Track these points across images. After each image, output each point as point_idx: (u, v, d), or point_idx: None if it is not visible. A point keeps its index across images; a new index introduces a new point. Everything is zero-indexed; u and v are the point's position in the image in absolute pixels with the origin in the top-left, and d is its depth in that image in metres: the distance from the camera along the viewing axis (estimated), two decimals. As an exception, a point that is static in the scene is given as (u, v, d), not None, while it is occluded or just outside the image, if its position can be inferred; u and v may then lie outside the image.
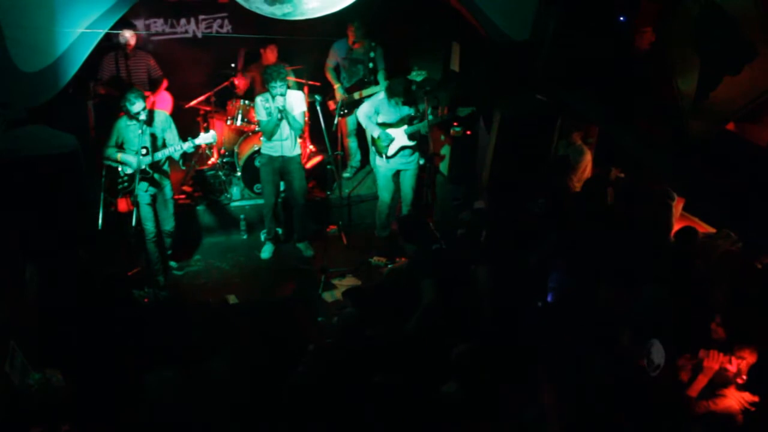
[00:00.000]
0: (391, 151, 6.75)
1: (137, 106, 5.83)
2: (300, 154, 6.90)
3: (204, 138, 6.28)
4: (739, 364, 3.82)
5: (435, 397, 4.21)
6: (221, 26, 8.28)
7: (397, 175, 6.98)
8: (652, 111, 5.53)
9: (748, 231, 5.34)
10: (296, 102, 6.63)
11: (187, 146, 6.18)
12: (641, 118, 5.64)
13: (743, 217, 5.32)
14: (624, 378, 4.23)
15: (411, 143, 6.75)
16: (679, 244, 5.38)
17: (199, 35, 8.17)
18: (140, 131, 5.90)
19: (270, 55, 7.62)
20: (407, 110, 6.70)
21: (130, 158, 6.00)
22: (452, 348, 4.47)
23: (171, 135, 6.21)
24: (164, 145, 6.15)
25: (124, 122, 6.03)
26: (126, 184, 6.08)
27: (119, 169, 6.07)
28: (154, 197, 6.30)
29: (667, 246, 5.47)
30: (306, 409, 4.23)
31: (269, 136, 6.58)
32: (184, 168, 6.69)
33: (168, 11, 8.03)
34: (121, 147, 6.05)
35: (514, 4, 6.24)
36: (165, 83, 7.50)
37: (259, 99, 6.58)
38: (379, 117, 6.76)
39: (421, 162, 7.13)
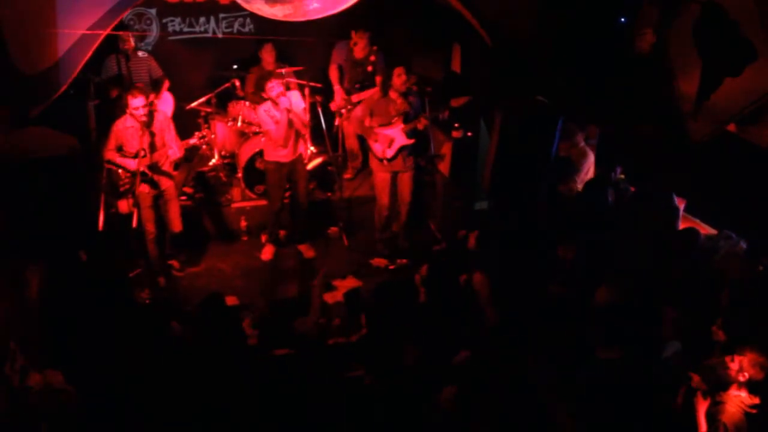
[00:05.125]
0: (390, 153, 6.74)
1: (138, 101, 5.84)
2: (302, 155, 6.91)
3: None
4: (741, 361, 3.82)
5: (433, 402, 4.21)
6: (243, 25, 8.22)
7: (395, 176, 6.97)
8: (653, 112, 5.52)
9: (749, 232, 5.35)
10: (296, 102, 6.65)
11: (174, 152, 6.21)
12: (642, 120, 5.64)
13: (744, 218, 5.33)
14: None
15: (409, 142, 6.74)
16: (683, 246, 5.38)
17: (220, 35, 8.12)
18: (141, 133, 5.91)
19: (267, 55, 7.62)
20: (401, 108, 6.68)
21: (129, 162, 6.01)
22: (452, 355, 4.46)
23: (169, 136, 6.22)
24: (163, 146, 6.15)
25: (122, 124, 6.03)
26: (127, 186, 6.08)
27: (119, 171, 6.07)
28: (155, 199, 6.30)
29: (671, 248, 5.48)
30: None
31: (283, 141, 6.55)
32: (177, 170, 6.73)
33: (186, 10, 7.99)
34: (120, 150, 6.05)
35: (515, 5, 6.24)
36: (167, 84, 7.51)
37: (261, 110, 6.57)
38: (374, 119, 6.74)
39: (420, 163, 7.13)
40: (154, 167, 6.12)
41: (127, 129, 6.01)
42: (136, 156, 5.97)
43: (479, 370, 4.16)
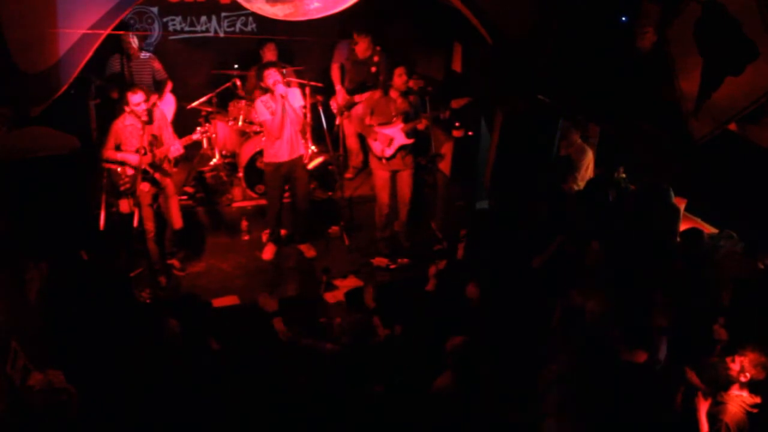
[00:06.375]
0: (389, 152, 6.73)
1: (137, 97, 5.86)
2: (303, 155, 6.90)
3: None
4: (742, 361, 3.82)
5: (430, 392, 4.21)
6: (245, 24, 8.21)
7: (394, 175, 6.96)
8: (654, 111, 5.52)
9: (750, 231, 5.34)
10: (294, 98, 6.64)
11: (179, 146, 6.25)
12: (643, 119, 5.64)
13: (745, 217, 5.32)
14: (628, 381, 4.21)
15: (409, 142, 6.74)
16: (686, 245, 5.38)
17: (221, 34, 8.10)
18: (141, 131, 5.92)
19: (269, 54, 7.62)
20: (401, 107, 6.67)
21: (130, 156, 6.01)
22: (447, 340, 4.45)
23: (167, 133, 6.24)
24: (162, 144, 6.16)
25: (121, 123, 6.03)
26: (128, 185, 6.09)
27: (119, 170, 6.06)
28: (156, 197, 6.31)
29: (674, 248, 5.47)
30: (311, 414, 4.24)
31: (279, 133, 6.55)
32: (177, 168, 6.77)
33: (187, 9, 7.97)
34: (118, 149, 6.05)
35: (516, 4, 6.24)
36: (170, 85, 7.51)
37: (258, 101, 6.58)
38: (374, 118, 6.74)
39: (420, 162, 7.13)
40: (155, 165, 6.13)
41: (126, 127, 6.02)
42: (137, 153, 5.98)
43: (474, 355, 4.16)
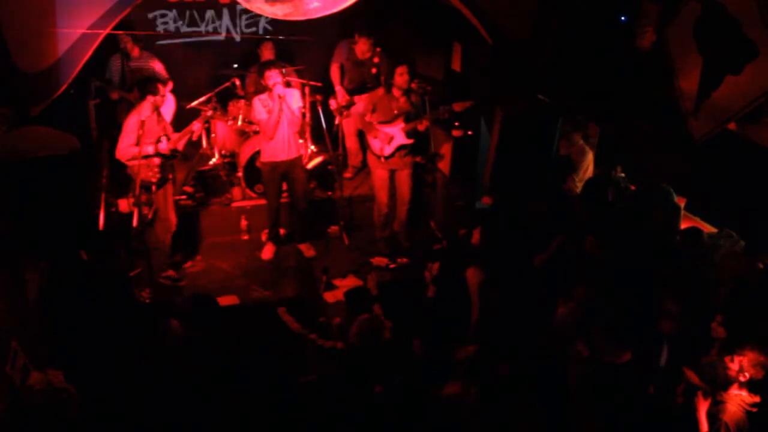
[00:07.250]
0: (388, 150, 6.73)
1: (163, 89, 5.98)
2: (301, 156, 6.89)
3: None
4: (741, 361, 3.82)
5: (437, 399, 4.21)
6: (253, 24, 8.23)
7: (393, 174, 6.96)
8: (654, 111, 5.53)
9: (749, 231, 5.34)
10: (293, 98, 6.64)
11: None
12: (643, 118, 5.64)
13: (745, 216, 5.33)
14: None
15: (408, 142, 6.73)
16: (686, 245, 5.38)
17: (222, 34, 8.11)
18: (157, 120, 5.98)
19: (267, 53, 7.63)
20: (404, 107, 6.68)
21: (156, 147, 6.01)
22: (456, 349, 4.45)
23: (170, 127, 6.27)
24: (169, 137, 6.18)
25: (137, 117, 6.00)
26: (159, 174, 6.09)
27: (146, 164, 6.01)
28: (170, 185, 6.36)
29: (673, 247, 5.47)
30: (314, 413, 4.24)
31: (272, 133, 6.55)
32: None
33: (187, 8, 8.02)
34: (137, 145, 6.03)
35: (516, 4, 6.24)
36: (170, 85, 7.51)
37: (256, 99, 6.58)
38: (375, 115, 6.73)
39: (420, 162, 7.13)
40: (176, 151, 6.21)
41: (143, 121, 5.96)
42: (158, 143, 5.99)
43: (483, 364, 4.15)
